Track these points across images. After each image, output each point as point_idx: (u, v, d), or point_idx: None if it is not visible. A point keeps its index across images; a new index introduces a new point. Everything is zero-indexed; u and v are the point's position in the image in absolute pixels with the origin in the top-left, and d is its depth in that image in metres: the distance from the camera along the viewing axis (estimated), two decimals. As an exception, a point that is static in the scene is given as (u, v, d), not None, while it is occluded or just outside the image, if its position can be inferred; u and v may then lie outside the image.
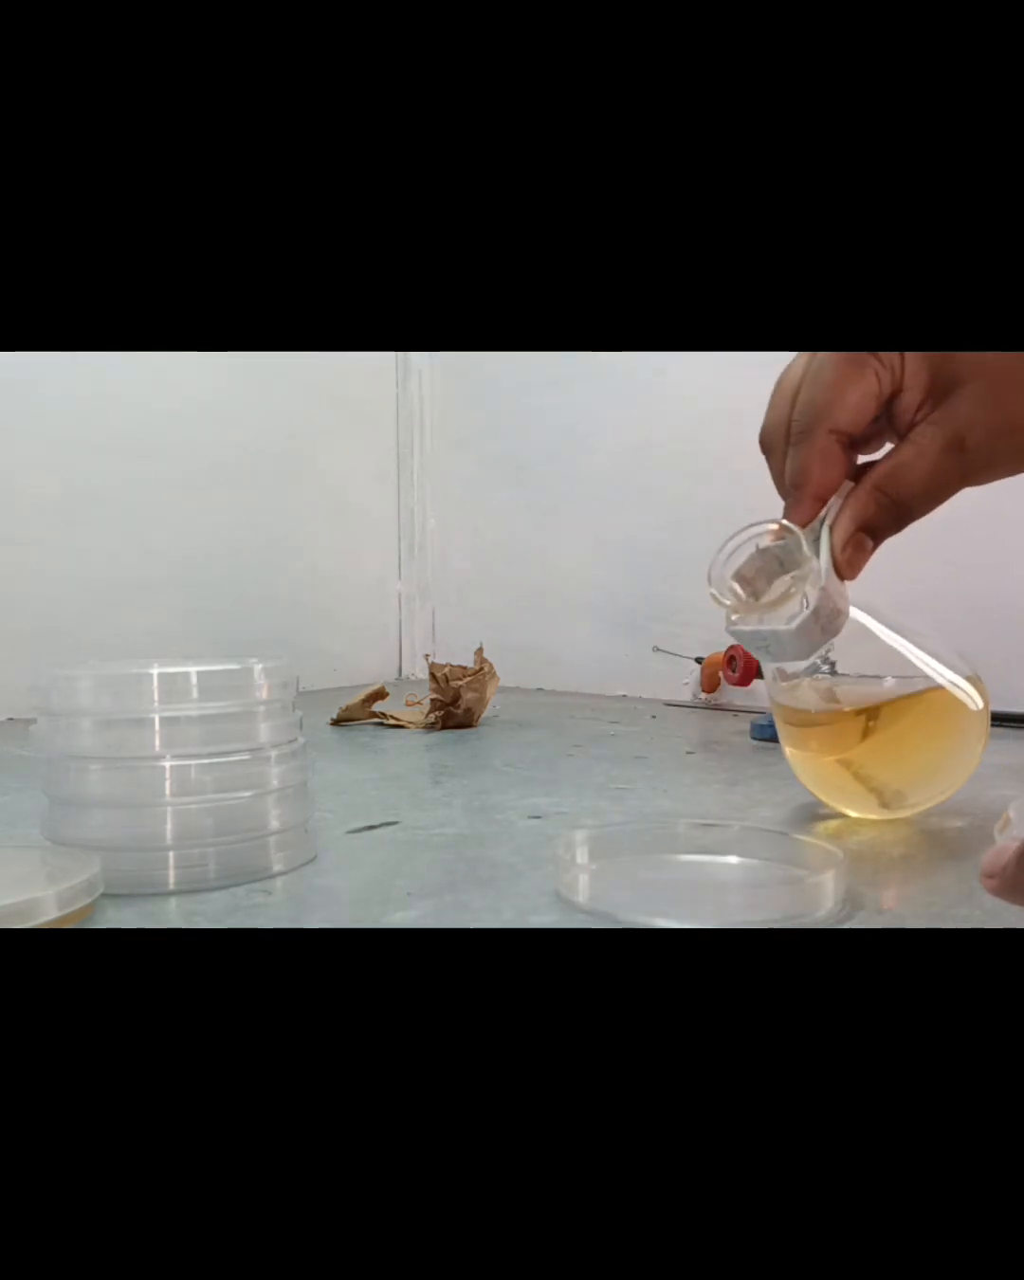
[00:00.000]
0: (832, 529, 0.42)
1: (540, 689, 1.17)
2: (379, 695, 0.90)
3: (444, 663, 0.86)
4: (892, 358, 0.39)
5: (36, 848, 0.42)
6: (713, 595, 0.44)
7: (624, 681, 1.11)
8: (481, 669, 0.86)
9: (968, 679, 0.49)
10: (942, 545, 0.89)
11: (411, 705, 0.94)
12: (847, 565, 0.42)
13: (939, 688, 0.48)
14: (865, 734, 0.48)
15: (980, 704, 0.48)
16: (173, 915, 0.38)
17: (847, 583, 0.43)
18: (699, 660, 1.02)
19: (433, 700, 0.85)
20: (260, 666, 0.42)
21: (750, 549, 0.44)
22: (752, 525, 0.43)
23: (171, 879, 0.40)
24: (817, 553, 0.42)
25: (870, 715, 0.48)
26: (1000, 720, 0.81)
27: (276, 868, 0.43)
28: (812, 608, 0.41)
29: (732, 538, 0.44)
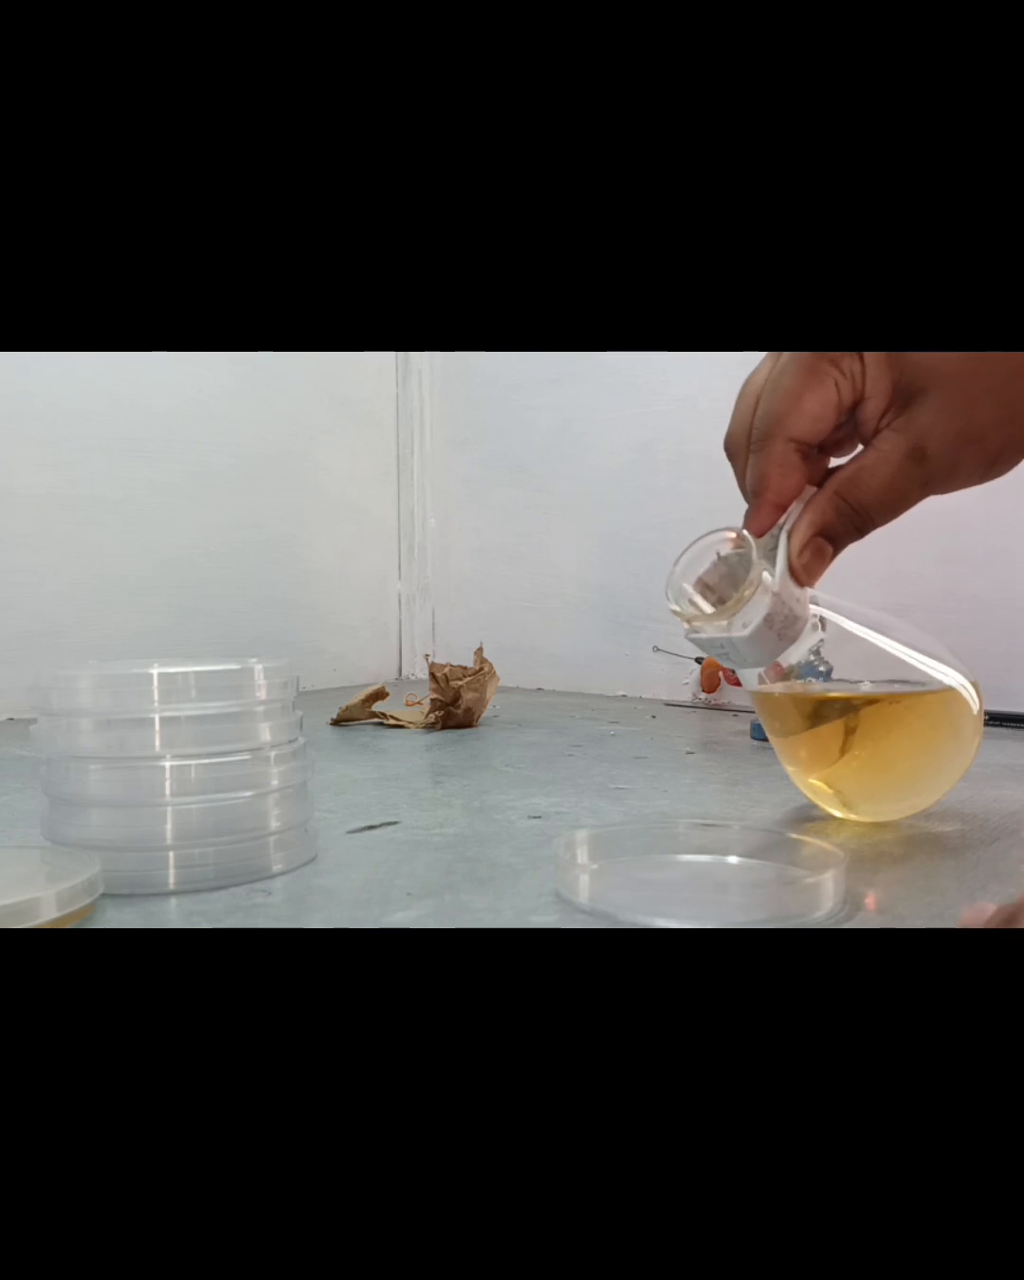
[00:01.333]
0: (790, 534, 0.42)
1: (540, 689, 1.17)
2: (379, 695, 0.90)
3: (444, 663, 0.86)
4: (853, 366, 0.39)
5: (36, 848, 0.42)
6: (672, 609, 0.44)
7: (624, 681, 1.11)
8: (482, 669, 0.86)
9: (953, 686, 0.48)
10: (942, 544, 0.89)
11: (412, 705, 0.94)
12: (803, 571, 0.42)
13: (925, 696, 0.48)
14: (844, 749, 0.48)
15: (976, 708, 0.48)
16: (173, 915, 0.38)
17: (807, 588, 0.43)
18: (699, 660, 1.02)
19: (433, 700, 0.85)
20: (260, 666, 0.42)
21: (711, 557, 0.44)
22: (710, 533, 0.43)
23: (171, 879, 0.40)
24: (774, 559, 0.42)
25: (849, 727, 0.48)
26: (1000, 720, 0.81)
27: (276, 868, 0.43)
28: (765, 615, 0.41)
29: (689, 547, 0.44)
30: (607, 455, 1.12)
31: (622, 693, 1.11)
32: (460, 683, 0.85)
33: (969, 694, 0.48)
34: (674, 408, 1.07)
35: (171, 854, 0.40)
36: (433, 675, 0.84)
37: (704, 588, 0.44)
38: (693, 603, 0.44)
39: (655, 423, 1.08)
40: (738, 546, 0.43)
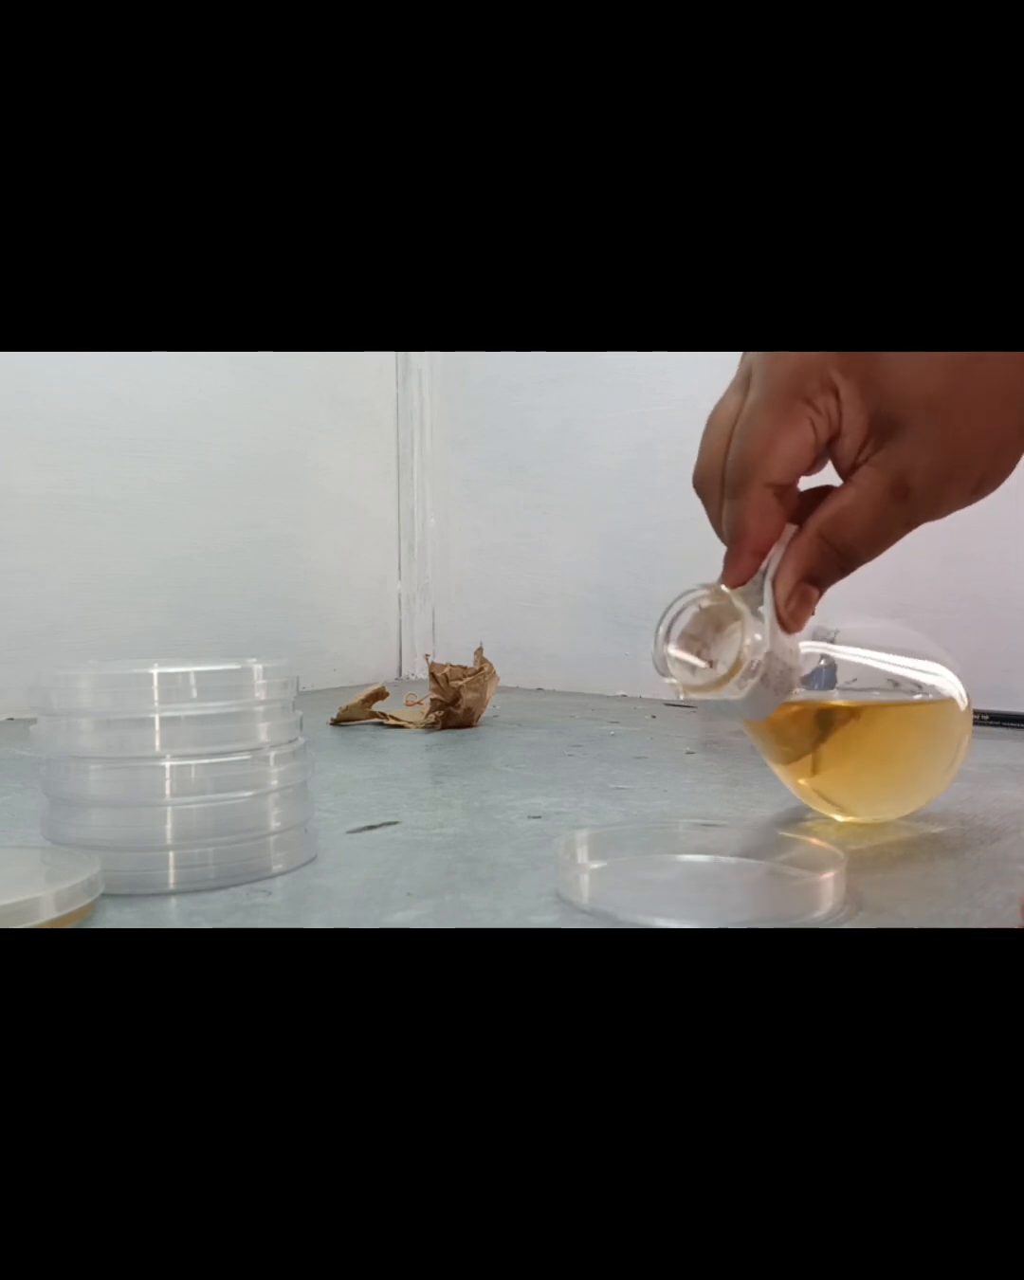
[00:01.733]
0: (774, 582, 0.40)
1: (540, 689, 1.17)
2: (379, 695, 0.90)
3: (444, 663, 0.86)
4: (827, 403, 0.37)
5: (36, 848, 0.42)
6: (668, 682, 0.42)
7: (624, 681, 1.11)
8: (482, 669, 0.86)
9: (928, 698, 0.48)
10: (943, 545, 0.89)
11: (412, 705, 0.94)
12: (791, 619, 0.40)
13: (898, 708, 0.48)
14: (817, 767, 0.49)
15: (963, 704, 0.48)
16: (173, 915, 0.38)
17: (796, 634, 0.41)
18: (699, 660, 1.01)
19: (433, 700, 0.85)
20: (260, 666, 0.42)
21: (692, 612, 0.42)
22: (687, 593, 0.41)
23: (171, 879, 0.40)
24: (759, 608, 0.40)
25: (821, 740, 0.47)
26: (1000, 720, 0.81)
27: (276, 868, 0.43)
28: (760, 676, 0.40)
29: (667, 611, 0.42)
30: (607, 455, 1.12)
31: (622, 693, 1.11)
32: (460, 683, 0.85)
33: (956, 692, 0.48)
34: (674, 408, 1.07)
35: (171, 854, 0.40)
36: (433, 675, 0.84)
37: (689, 639, 0.42)
38: (683, 662, 0.42)
39: (655, 423, 1.08)
40: (718, 600, 0.41)
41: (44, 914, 0.35)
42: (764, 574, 0.40)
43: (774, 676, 0.40)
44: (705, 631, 0.42)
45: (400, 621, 1.31)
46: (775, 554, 0.40)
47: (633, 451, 1.10)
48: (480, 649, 0.88)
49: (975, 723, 0.51)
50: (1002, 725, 0.80)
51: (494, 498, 1.23)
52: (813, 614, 0.41)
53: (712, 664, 0.42)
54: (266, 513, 1.13)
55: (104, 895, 0.38)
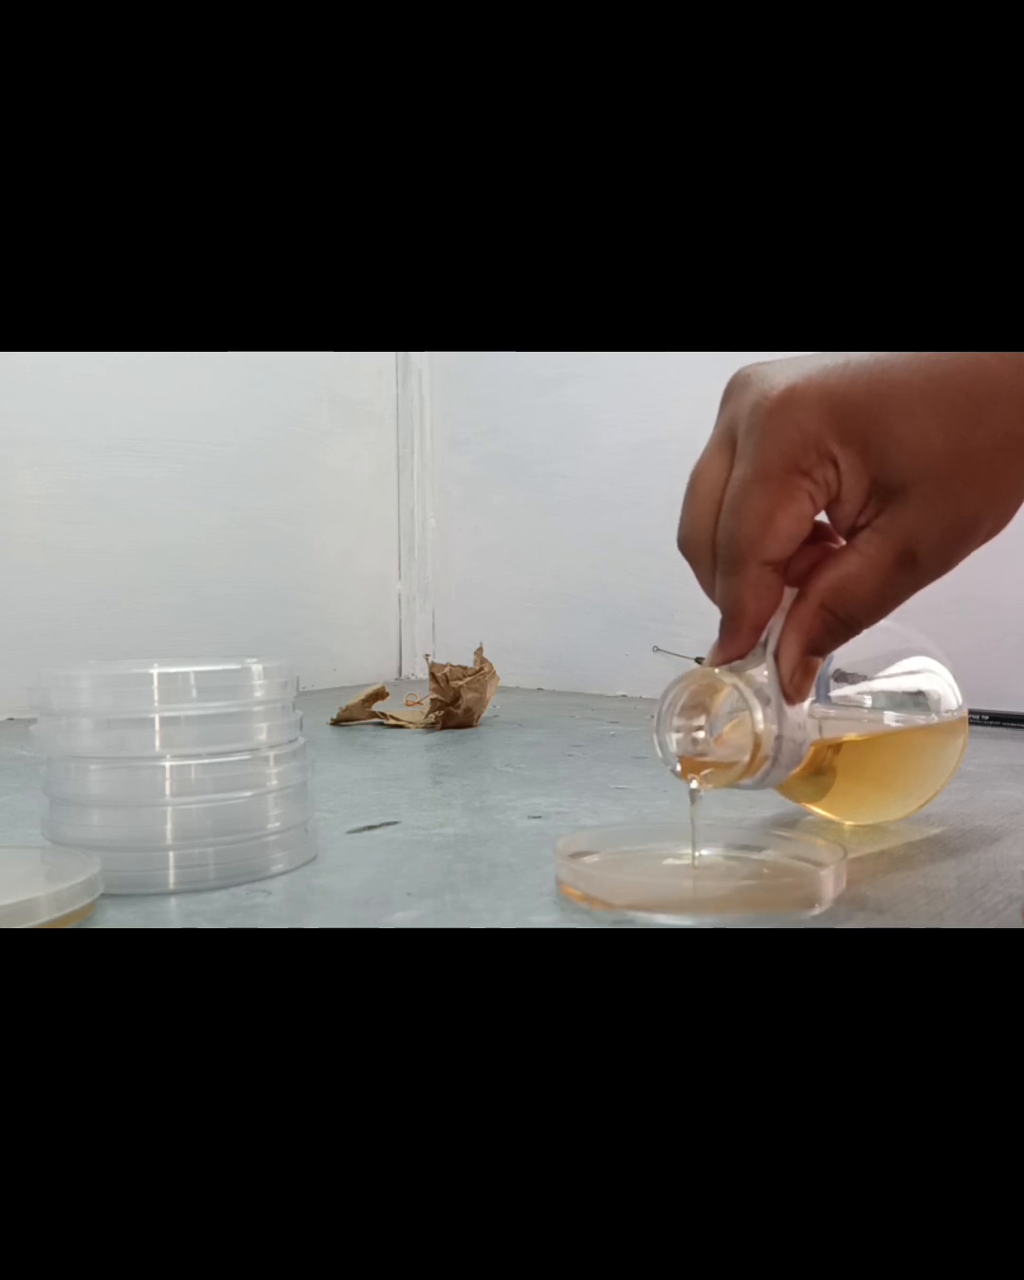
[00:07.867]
0: (776, 656, 0.38)
1: (540, 689, 1.17)
2: (379, 695, 0.90)
3: (444, 663, 0.86)
4: (826, 475, 0.35)
5: (36, 848, 0.42)
6: (693, 788, 0.41)
7: (624, 681, 1.11)
8: (482, 669, 0.86)
9: (942, 708, 0.48)
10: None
11: (412, 705, 0.94)
12: (796, 692, 0.39)
13: (910, 733, 0.48)
14: (823, 789, 0.48)
15: (956, 703, 0.48)
16: (173, 915, 0.38)
17: (801, 705, 0.39)
18: (699, 660, 1.01)
19: (433, 700, 0.85)
20: (259, 666, 0.42)
21: (687, 698, 0.40)
22: (679, 680, 0.40)
23: (171, 879, 0.40)
24: (756, 685, 0.38)
25: (822, 770, 0.47)
26: (1000, 720, 0.81)
27: (276, 868, 0.43)
28: (772, 759, 0.39)
29: (662, 702, 0.40)
30: (607, 455, 1.12)
31: (622, 693, 1.11)
32: (460, 683, 0.85)
33: (954, 698, 0.48)
34: (674, 407, 1.07)
35: (171, 854, 0.40)
36: (433, 675, 0.84)
37: (689, 710, 0.40)
38: (693, 738, 0.40)
39: (655, 423, 1.08)
40: (713, 682, 0.39)
41: (43, 914, 0.35)
42: (764, 645, 0.39)
43: (786, 756, 0.39)
44: (702, 701, 0.40)
45: (400, 621, 1.31)
46: (775, 623, 0.38)
47: (633, 451, 1.10)
48: (480, 649, 0.88)
49: (976, 723, 0.51)
50: (1002, 725, 0.80)
51: (494, 498, 1.23)
52: (814, 680, 0.40)
53: (713, 735, 0.40)
54: (267, 513, 1.13)
55: (104, 895, 0.38)
